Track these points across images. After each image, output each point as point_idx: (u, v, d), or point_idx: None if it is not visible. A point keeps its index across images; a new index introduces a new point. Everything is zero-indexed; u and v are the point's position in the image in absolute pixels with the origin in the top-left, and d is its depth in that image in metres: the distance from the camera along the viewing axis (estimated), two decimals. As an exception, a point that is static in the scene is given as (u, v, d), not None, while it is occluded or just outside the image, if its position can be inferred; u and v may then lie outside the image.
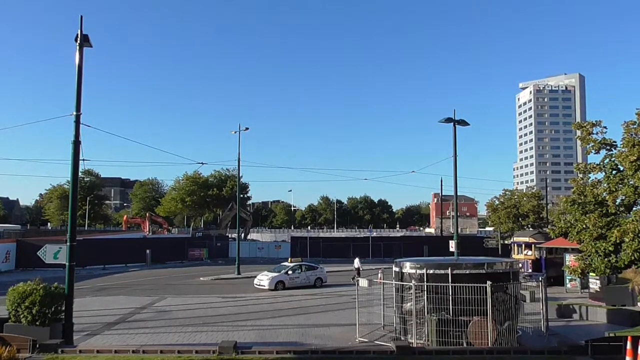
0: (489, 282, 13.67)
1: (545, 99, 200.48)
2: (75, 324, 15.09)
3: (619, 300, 21.18)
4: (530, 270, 30.85)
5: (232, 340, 14.06)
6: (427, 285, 14.44)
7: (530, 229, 46.05)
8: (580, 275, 19.89)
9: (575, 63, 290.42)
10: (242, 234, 61.27)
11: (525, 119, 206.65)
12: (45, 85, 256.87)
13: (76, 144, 15.22)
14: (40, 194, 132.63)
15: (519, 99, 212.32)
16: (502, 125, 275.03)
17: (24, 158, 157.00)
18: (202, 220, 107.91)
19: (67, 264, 15.15)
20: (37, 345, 13.41)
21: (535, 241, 32.93)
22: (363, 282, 16.72)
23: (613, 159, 17.21)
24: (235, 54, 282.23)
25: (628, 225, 15.60)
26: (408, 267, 15.41)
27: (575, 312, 19.99)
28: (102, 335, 16.32)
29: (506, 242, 32.95)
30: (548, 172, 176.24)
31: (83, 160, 15.97)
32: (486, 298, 13.59)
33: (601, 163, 17.64)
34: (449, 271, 14.44)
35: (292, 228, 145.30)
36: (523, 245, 33.82)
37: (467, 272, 14.71)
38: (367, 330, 15.95)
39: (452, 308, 14.02)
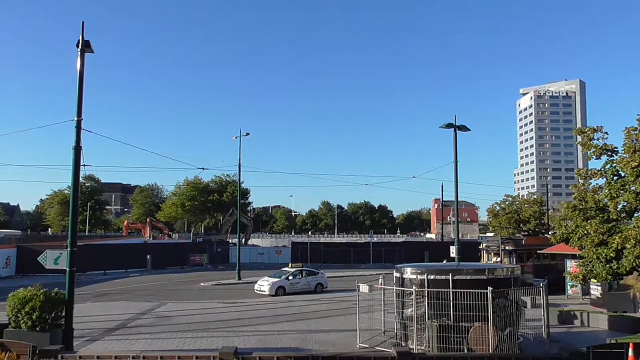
0: (490, 288, 13.64)
1: (546, 105, 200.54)
2: (75, 330, 15.05)
3: (621, 307, 21.14)
4: None
5: (232, 346, 14.02)
6: (427, 291, 14.41)
7: (531, 235, 45.87)
8: (581, 282, 19.83)
9: (575, 69, 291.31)
10: (243, 240, 61.23)
11: (526, 124, 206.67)
12: (46, 90, 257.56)
13: (77, 149, 15.23)
14: (41, 199, 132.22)
15: (519, 104, 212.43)
16: (503, 130, 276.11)
17: (24, 164, 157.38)
18: (203, 226, 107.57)
19: (67, 269, 15.14)
20: (37, 351, 13.36)
21: (504, 247, 32.52)
22: (364, 288, 16.69)
23: (614, 165, 17.18)
24: (236, 59, 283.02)
25: (629, 232, 15.54)
26: (409, 273, 15.38)
27: (577, 319, 19.94)
28: (102, 341, 16.30)
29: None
30: (549, 178, 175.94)
31: (84, 165, 15.98)
32: (487, 304, 13.55)
33: (602, 169, 17.59)
34: (449, 277, 14.40)
35: (293, 233, 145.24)
36: (492, 252, 33.44)
37: (468, 277, 14.68)
38: (368, 335, 15.90)
39: (453, 314, 13.98)
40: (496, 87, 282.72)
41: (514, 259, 31.03)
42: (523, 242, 33.16)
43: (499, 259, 32.16)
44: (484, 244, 35.85)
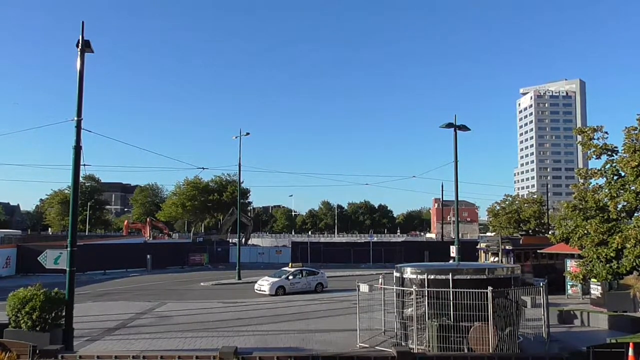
0: (490, 288, 13.64)
1: (546, 105, 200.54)
2: (75, 330, 15.06)
3: (621, 307, 21.15)
4: None
5: (232, 346, 14.01)
6: (428, 291, 14.41)
7: (531, 235, 45.82)
8: (581, 281, 19.85)
9: (575, 69, 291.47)
10: (243, 239, 61.21)
11: (526, 124, 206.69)
12: (46, 90, 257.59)
13: (77, 149, 15.23)
14: (41, 199, 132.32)
15: (519, 104, 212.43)
16: (503, 130, 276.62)
17: (25, 163, 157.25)
18: (203, 225, 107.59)
19: (67, 269, 15.14)
20: (37, 351, 13.35)
21: (504, 247, 32.28)
22: (364, 288, 16.69)
23: (614, 164, 17.18)
24: (236, 59, 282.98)
25: (630, 232, 15.54)
26: (409, 273, 15.39)
27: (577, 318, 19.94)
28: (102, 341, 16.30)
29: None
30: (549, 178, 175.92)
31: (84, 165, 15.98)
32: (487, 304, 13.55)
33: (602, 168, 17.59)
34: (449, 276, 14.41)
35: (293, 233, 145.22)
36: (489, 252, 33.32)
37: (468, 277, 14.69)
38: (368, 335, 15.91)
39: (453, 314, 13.98)
40: (496, 87, 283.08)
41: (512, 258, 30.93)
42: (521, 242, 33.06)
43: (496, 259, 32.05)
44: (481, 244, 35.71)
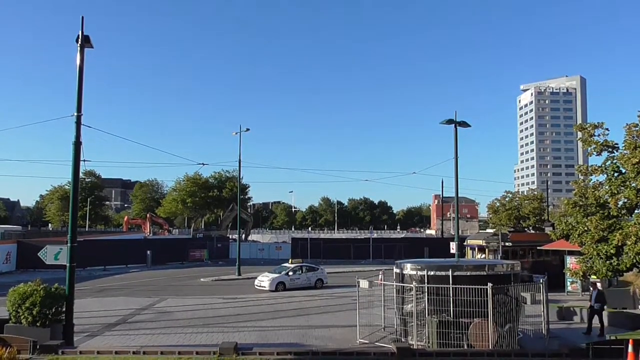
0: (490, 284, 13.66)
1: (547, 101, 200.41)
2: (75, 325, 15.08)
3: (620, 303, 21.16)
4: None
5: (232, 342, 14.04)
6: (427, 287, 14.43)
7: (532, 231, 45.84)
8: (581, 278, 19.88)
9: (576, 65, 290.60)
10: (243, 235, 61.26)
11: (526, 120, 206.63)
12: (47, 86, 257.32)
13: (77, 144, 15.21)
14: (41, 195, 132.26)
15: (520, 100, 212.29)
16: (503, 127, 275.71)
17: (25, 159, 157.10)
18: (203, 221, 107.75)
19: (67, 264, 15.14)
20: (38, 346, 13.40)
21: (490, 244, 31.92)
22: (364, 284, 16.71)
23: (615, 161, 17.19)
24: (237, 55, 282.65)
25: (630, 229, 15.58)
26: (409, 269, 15.40)
27: (576, 315, 19.96)
28: (102, 337, 16.32)
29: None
30: (549, 174, 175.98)
31: (84, 161, 15.98)
32: (487, 300, 13.57)
33: (603, 165, 17.61)
34: (449, 273, 14.43)
35: (293, 229, 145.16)
36: (476, 249, 33.04)
37: (468, 273, 14.71)
38: (368, 331, 15.93)
39: (453, 310, 14.01)
40: (497, 83, 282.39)
41: (499, 256, 30.74)
42: (509, 238, 32.23)
43: (483, 256, 31.90)
44: (469, 240, 35.33)
